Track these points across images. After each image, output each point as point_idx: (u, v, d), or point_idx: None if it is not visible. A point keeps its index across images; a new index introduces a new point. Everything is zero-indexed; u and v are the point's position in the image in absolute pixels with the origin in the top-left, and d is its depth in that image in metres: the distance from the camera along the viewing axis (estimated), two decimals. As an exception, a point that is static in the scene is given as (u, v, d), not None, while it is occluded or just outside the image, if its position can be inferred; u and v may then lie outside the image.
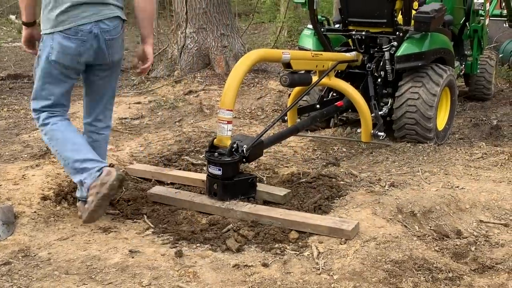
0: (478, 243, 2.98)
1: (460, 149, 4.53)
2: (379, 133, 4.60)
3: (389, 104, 4.94)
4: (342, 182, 3.74)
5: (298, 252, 2.81)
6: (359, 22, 5.07)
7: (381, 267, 2.61)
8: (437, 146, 4.67)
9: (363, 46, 5.06)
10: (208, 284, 2.51)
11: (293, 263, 2.69)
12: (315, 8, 5.02)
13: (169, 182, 3.86)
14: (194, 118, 6.03)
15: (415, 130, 4.74)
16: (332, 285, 2.50)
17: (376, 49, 5.01)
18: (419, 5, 4.78)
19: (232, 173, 3.36)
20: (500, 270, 2.69)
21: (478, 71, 6.49)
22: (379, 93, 4.98)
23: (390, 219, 3.12)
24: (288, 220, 3.07)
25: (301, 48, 5.28)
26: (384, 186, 3.64)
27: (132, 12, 3.39)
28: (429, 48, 4.77)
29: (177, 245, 2.91)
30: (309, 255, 2.77)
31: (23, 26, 3.16)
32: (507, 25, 7.92)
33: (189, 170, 4.10)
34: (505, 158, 4.14)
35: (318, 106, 4.84)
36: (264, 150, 3.76)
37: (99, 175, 2.93)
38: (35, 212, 3.23)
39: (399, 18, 4.93)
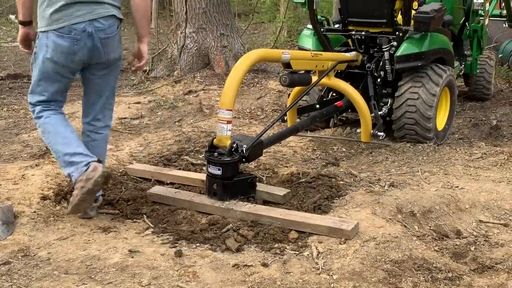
0: (478, 243, 2.98)
1: (460, 149, 4.53)
2: (379, 133, 4.60)
3: (388, 104, 4.94)
4: (341, 182, 3.75)
5: (297, 252, 2.81)
6: (359, 22, 5.07)
7: (380, 267, 2.61)
8: (436, 146, 4.67)
9: (362, 46, 5.06)
10: (207, 284, 2.51)
11: (293, 263, 2.70)
12: (314, 8, 5.02)
13: (168, 182, 3.86)
14: (194, 118, 6.03)
15: (414, 130, 4.75)
16: (332, 285, 2.50)
17: (375, 49, 5.01)
18: (419, 5, 4.78)
19: (231, 173, 3.36)
20: (500, 270, 2.69)
21: (477, 71, 6.50)
22: (378, 93, 4.98)
23: (390, 219, 3.12)
24: (288, 220, 3.07)
25: (300, 48, 5.28)
26: (384, 186, 3.64)
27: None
28: (429, 48, 4.77)
29: (176, 245, 2.91)
30: (308, 255, 2.77)
31: (19, 25, 3.17)
32: (506, 25, 7.92)
33: (189, 170, 4.10)
34: (504, 158, 4.14)
35: (317, 106, 4.84)
36: (264, 150, 3.76)
37: (86, 169, 2.97)
38: (34, 212, 3.23)
39: (399, 18, 4.93)
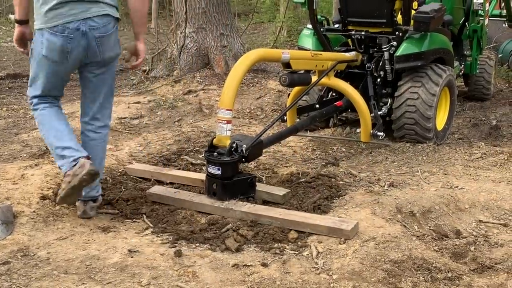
0: (477, 243, 2.98)
1: (460, 149, 4.53)
2: (379, 133, 4.60)
3: (388, 104, 4.94)
4: (341, 182, 3.75)
5: (297, 252, 2.81)
6: (359, 22, 5.07)
7: (380, 267, 2.61)
8: (436, 146, 4.67)
9: (362, 46, 5.06)
10: (207, 283, 2.51)
11: (292, 262, 2.69)
12: (314, 8, 5.02)
13: (168, 181, 3.86)
14: (194, 118, 6.02)
15: (414, 130, 4.75)
16: (331, 285, 2.50)
17: (375, 49, 5.01)
18: (419, 5, 4.79)
19: (231, 173, 3.36)
20: (499, 270, 2.69)
21: (477, 71, 6.50)
22: (378, 93, 4.98)
23: (390, 219, 3.12)
24: (288, 220, 3.07)
25: (300, 48, 5.28)
26: (384, 186, 3.64)
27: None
28: (429, 48, 4.77)
29: (176, 244, 2.91)
30: (308, 255, 2.77)
31: (16, 24, 3.18)
32: (506, 25, 7.92)
33: (189, 170, 4.09)
34: (504, 158, 4.14)
35: (317, 106, 4.84)
36: (264, 150, 3.76)
37: (74, 165, 3.01)
38: (34, 211, 3.23)
39: (399, 18, 4.93)
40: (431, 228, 3.14)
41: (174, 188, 3.70)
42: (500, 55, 8.21)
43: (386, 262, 2.65)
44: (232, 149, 3.37)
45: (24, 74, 8.56)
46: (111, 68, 3.24)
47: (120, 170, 4.06)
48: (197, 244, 2.92)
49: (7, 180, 3.58)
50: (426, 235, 3.03)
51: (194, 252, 2.82)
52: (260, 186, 3.52)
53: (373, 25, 4.98)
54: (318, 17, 5.20)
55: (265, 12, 17.09)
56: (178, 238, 2.98)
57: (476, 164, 4.11)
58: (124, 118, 5.98)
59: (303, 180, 3.74)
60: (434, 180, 3.75)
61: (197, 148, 4.64)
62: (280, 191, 3.49)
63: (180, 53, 7.91)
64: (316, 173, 3.84)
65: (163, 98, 6.80)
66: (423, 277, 2.57)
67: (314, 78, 4.45)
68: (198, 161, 4.26)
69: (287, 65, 4.01)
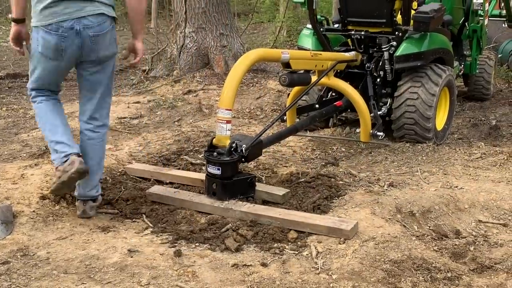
0: (477, 243, 2.98)
1: (459, 149, 4.53)
2: (378, 133, 4.60)
3: (388, 104, 4.94)
4: (341, 182, 3.75)
5: (297, 252, 2.81)
6: (358, 22, 5.07)
7: (380, 267, 2.61)
8: (436, 146, 4.67)
9: (362, 46, 5.06)
10: (207, 283, 2.51)
11: (292, 262, 2.69)
12: (314, 8, 5.02)
13: (168, 181, 3.86)
14: (193, 118, 6.02)
15: (414, 130, 4.75)
16: (331, 285, 2.50)
17: (375, 49, 5.01)
18: (418, 5, 4.78)
19: (231, 173, 3.36)
20: (499, 270, 2.69)
21: (477, 71, 6.50)
22: (378, 93, 4.98)
23: (389, 219, 3.12)
24: (287, 219, 3.07)
25: (300, 48, 5.28)
26: (383, 186, 3.64)
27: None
28: (428, 48, 4.77)
29: (176, 244, 2.91)
30: (308, 254, 2.77)
31: (12, 23, 3.19)
32: (506, 25, 7.92)
33: (188, 170, 4.09)
34: (504, 158, 4.14)
35: (317, 106, 4.84)
36: (263, 150, 3.76)
37: (65, 161, 3.06)
38: (34, 211, 3.23)
39: (398, 18, 4.93)
40: (430, 228, 3.14)
41: (174, 188, 3.70)
42: (499, 55, 8.21)
43: (385, 262, 2.65)
44: (232, 149, 3.37)
45: (24, 74, 8.55)
46: (107, 67, 3.25)
47: (119, 170, 4.06)
48: (197, 244, 2.92)
49: (6, 180, 3.58)
50: (425, 235, 3.03)
51: (194, 252, 2.82)
52: (259, 186, 3.52)
53: (372, 25, 4.98)
54: (318, 17, 5.20)
55: (265, 12, 17.08)
56: (178, 238, 2.98)
57: (475, 164, 4.11)
58: (124, 118, 5.98)
59: (302, 180, 3.74)
60: (434, 180, 3.75)
61: (196, 148, 4.64)
62: (280, 191, 3.49)
63: (179, 53, 7.91)
64: (315, 173, 3.84)
65: (163, 98, 6.80)
66: (422, 277, 2.57)
67: (313, 78, 4.45)
68: (198, 161, 4.26)
69: (286, 65, 4.01)
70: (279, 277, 2.55)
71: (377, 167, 4.23)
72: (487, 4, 6.48)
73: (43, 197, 3.37)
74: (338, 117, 5.22)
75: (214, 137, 3.47)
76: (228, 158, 3.33)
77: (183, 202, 3.40)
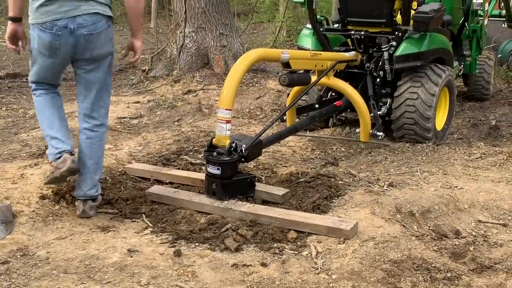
0: (477, 243, 2.98)
1: (459, 149, 4.53)
2: (378, 133, 4.60)
3: (388, 104, 4.94)
4: (340, 182, 3.75)
5: (296, 252, 2.81)
6: (358, 22, 5.07)
7: (379, 267, 2.61)
8: (435, 146, 4.67)
9: (362, 46, 5.06)
10: (206, 283, 2.51)
11: (292, 262, 2.69)
12: (314, 7, 5.02)
13: (167, 181, 3.86)
14: (193, 118, 6.02)
15: (414, 130, 4.75)
16: (331, 285, 2.50)
17: (375, 49, 5.01)
18: (418, 5, 4.79)
19: (230, 173, 3.36)
20: (499, 270, 2.69)
21: (477, 71, 6.50)
22: (378, 93, 4.98)
23: (389, 219, 3.12)
24: (287, 219, 3.07)
25: (300, 48, 5.28)
26: (383, 186, 3.64)
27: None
28: (428, 48, 4.77)
29: (175, 244, 2.91)
30: (307, 254, 2.77)
31: (9, 21, 3.19)
32: (505, 25, 7.92)
33: (188, 170, 4.09)
34: (503, 158, 4.14)
35: (317, 105, 4.84)
36: (263, 150, 3.76)
37: (58, 157, 3.12)
38: (33, 211, 3.23)
39: (398, 18, 4.93)
40: (430, 228, 3.14)
41: (174, 187, 3.70)
42: (499, 55, 8.22)
43: (385, 262, 2.65)
44: (232, 149, 3.37)
45: (24, 73, 8.56)
46: (102, 65, 3.25)
47: (119, 170, 4.06)
48: (197, 244, 2.92)
49: (6, 179, 3.58)
50: (425, 235, 3.03)
51: (194, 251, 2.82)
52: (259, 186, 3.52)
53: (372, 25, 4.98)
54: (318, 17, 5.20)
55: (265, 12, 17.08)
56: (178, 238, 2.98)
57: (475, 164, 4.11)
58: (124, 117, 5.98)
59: (302, 180, 3.74)
60: (434, 180, 3.75)
61: (196, 148, 4.64)
62: (280, 191, 3.49)
63: (179, 52, 7.91)
64: (315, 173, 3.84)
65: (163, 98, 6.80)
66: (422, 277, 2.57)
67: (313, 78, 4.45)
68: (198, 161, 4.26)
69: (286, 65, 4.01)
70: (279, 277, 2.55)
71: (376, 167, 4.23)
72: (486, 4, 6.49)
73: (42, 197, 3.37)
74: (338, 117, 5.22)
75: (214, 137, 3.47)
76: (227, 158, 3.33)
77: (183, 202, 3.40)
